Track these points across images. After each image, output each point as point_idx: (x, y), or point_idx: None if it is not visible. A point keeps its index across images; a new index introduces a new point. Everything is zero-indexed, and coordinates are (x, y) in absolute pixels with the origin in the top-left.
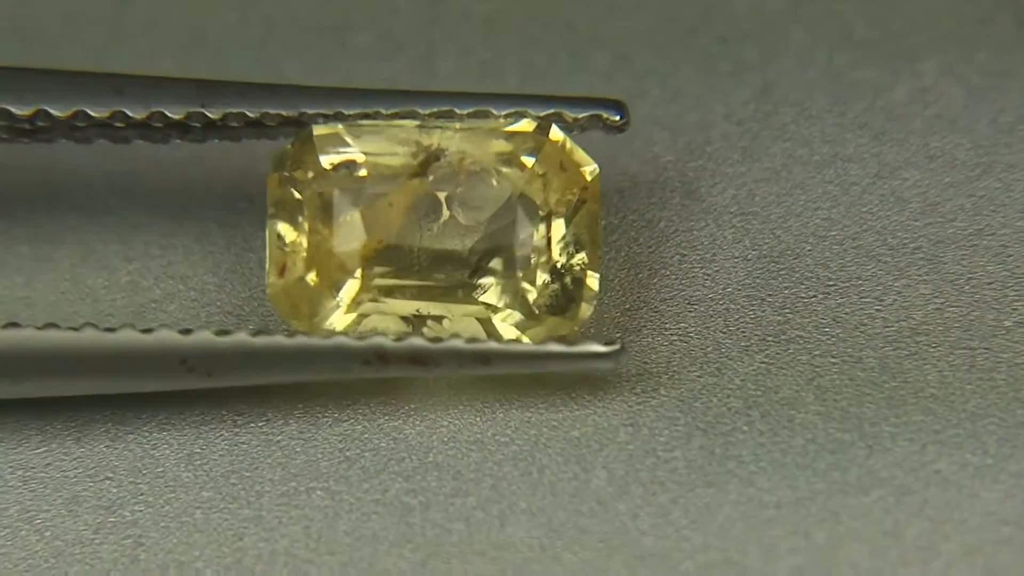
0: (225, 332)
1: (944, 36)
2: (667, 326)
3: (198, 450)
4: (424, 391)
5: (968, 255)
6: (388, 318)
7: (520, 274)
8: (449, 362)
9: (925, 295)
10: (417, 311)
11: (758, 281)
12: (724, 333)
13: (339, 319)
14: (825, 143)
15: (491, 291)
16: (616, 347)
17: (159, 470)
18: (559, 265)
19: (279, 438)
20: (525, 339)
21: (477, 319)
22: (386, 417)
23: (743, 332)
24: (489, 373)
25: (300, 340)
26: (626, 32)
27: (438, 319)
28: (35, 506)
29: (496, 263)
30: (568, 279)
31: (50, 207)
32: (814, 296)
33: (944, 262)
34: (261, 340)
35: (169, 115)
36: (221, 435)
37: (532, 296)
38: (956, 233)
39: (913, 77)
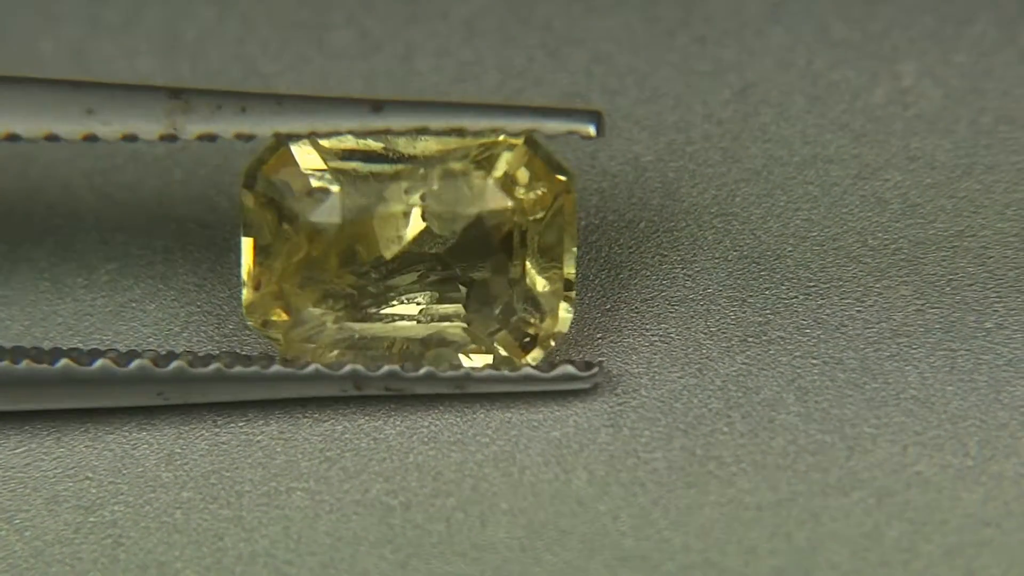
0: (201, 362)
1: (924, 37)
2: (648, 327)
3: (178, 450)
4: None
5: (949, 256)
6: (364, 326)
7: (494, 284)
8: (424, 389)
9: (906, 296)
10: (392, 319)
11: (739, 282)
12: (705, 334)
13: (313, 329)
14: (805, 144)
15: (464, 302)
16: (592, 371)
17: (139, 470)
18: (533, 277)
19: (259, 438)
20: (500, 351)
21: (456, 327)
22: (366, 418)
23: (724, 333)
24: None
25: (276, 370)
26: (605, 32)
27: (412, 326)
28: (14, 506)
29: (470, 274)
30: (543, 290)
31: (28, 206)
32: (795, 297)
33: (925, 263)
34: (237, 371)
35: (141, 137)
36: (201, 435)
37: (505, 308)
38: (937, 234)
39: (893, 78)
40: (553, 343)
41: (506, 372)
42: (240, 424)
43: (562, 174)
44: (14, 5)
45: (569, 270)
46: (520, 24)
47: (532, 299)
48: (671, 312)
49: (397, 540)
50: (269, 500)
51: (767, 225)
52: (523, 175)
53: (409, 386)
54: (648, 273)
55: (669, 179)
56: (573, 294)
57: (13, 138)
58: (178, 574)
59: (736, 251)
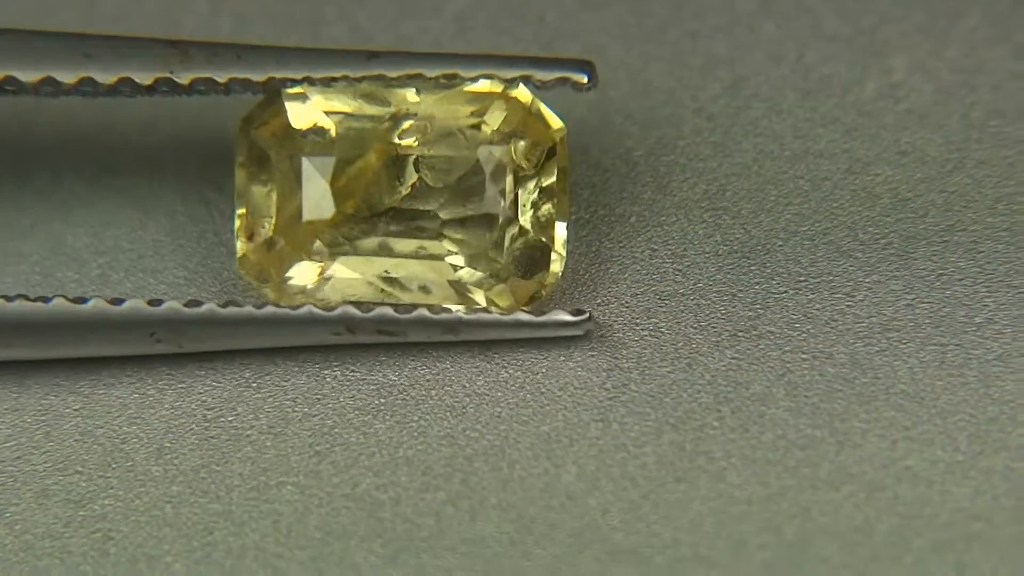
0: (194, 303)
1: (914, 31)
2: (638, 321)
3: (168, 444)
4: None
5: (939, 251)
6: (356, 278)
7: (488, 236)
8: (416, 331)
9: (896, 291)
10: (386, 271)
11: (729, 276)
12: (695, 328)
13: (307, 279)
14: (796, 138)
15: (459, 252)
16: (583, 316)
17: (129, 464)
18: (527, 226)
19: (249, 432)
20: (494, 306)
21: (448, 281)
22: (356, 412)
23: (714, 327)
24: (458, 340)
25: (269, 311)
26: (597, 26)
27: (406, 278)
28: (4, 500)
29: (464, 225)
30: (536, 240)
31: (18, 200)
32: (785, 292)
33: (915, 258)
34: (230, 311)
35: (138, 81)
36: (191, 429)
37: (500, 258)
38: (927, 229)
39: (883, 73)
40: (545, 293)
41: (498, 316)
42: (230, 419)
43: (554, 128)
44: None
45: (562, 218)
46: (512, 18)
47: (526, 249)
48: (661, 306)
49: (387, 534)
50: (259, 494)
51: (758, 219)
52: (516, 128)
53: (401, 329)
54: (638, 267)
55: (660, 173)
56: (564, 246)
57: (11, 81)
58: (168, 568)
59: (727, 245)
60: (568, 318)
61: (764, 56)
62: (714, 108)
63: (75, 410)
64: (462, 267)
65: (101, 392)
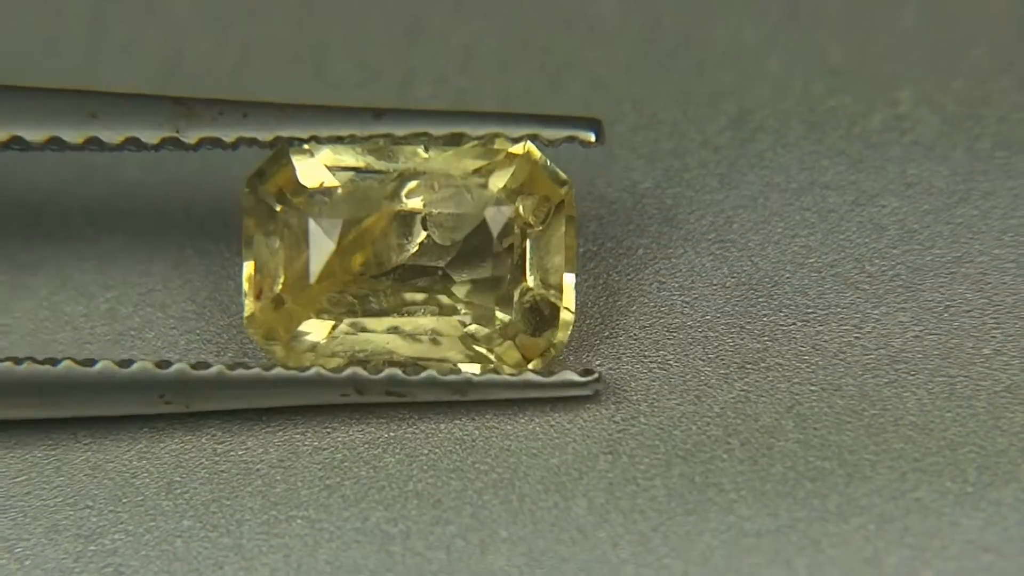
0: (202, 366)
1: (920, 64)
2: (646, 354)
3: (178, 479)
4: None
5: (946, 283)
6: (365, 336)
7: (495, 294)
8: (425, 393)
9: (904, 323)
10: (395, 328)
11: (737, 309)
12: (703, 361)
13: (316, 338)
14: (802, 170)
15: (467, 310)
16: (593, 377)
17: (139, 499)
18: (534, 284)
19: (259, 467)
20: (503, 363)
21: (458, 338)
22: (366, 446)
23: (722, 360)
24: (466, 400)
25: (278, 373)
26: (603, 58)
27: (415, 332)
28: (15, 535)
29: (472, 282)
30: (543, 298)
31: (27, 235)
32: (793, 324)
33: (923, 290)
34: (238, 373)
35: (144, 140)
36: (201, 464)
37: (508, 315)
38: (934, 260)
39: (889, 105)
40: (554, 351)
41: (507, 377)
42: (240, 453)
43: (561, 184)
44: (13, 33)
45: (569, 279)
46: (518, 51)
47: (534, 306)
48: (669, 339)
49: (397, 568)
50: (269, 528)
51: (765, 251)
52: (523, 185)
53: (410, 391)
54: (646, 300)
55: (667, 206)
56: (573, 303)
57: (17, 141)
58: None
59: (734, 277)
60: (577, 379)
61: (770, 88)
62: (720, 140)
63: (85, 444)
64: (470, 324)
65: (111, 426)
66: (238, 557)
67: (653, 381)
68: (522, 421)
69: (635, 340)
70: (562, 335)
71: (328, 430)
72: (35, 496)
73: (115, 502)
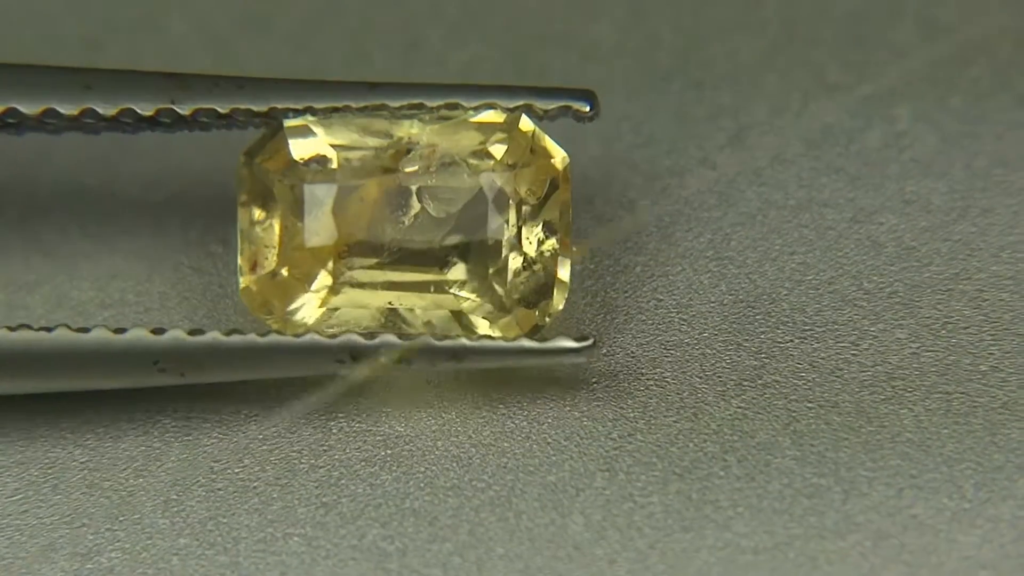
0: (197, 332)
1: (918, 81)
2: (643, 371)
3: (175, 497)
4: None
5: (944, 299)
6: (360, 311)
7: (491, 266)
8: (420, 359)
9: (901, 340)
10: (389, 303)
11: (734, 326)
12: (700, 378)
13: (311, 312)
14: (800, 188)
15: (462, 283)
16: (588, 343)
17: (136, 516)
18: (530, 256)
19: (256, 484)
20: (497, 334)
21: (450, 311)
22: (363, 463)
23: (719, 377)
24: (462, 368)
25: (272, 339)
26: (600, 77)
27: (410, 311)
28: (11, 553)
29: (467, 255)
30: (539, 270)
31: (24, 253)
32: (790, 341)
33: (920, 307)
34: (234, 339)
35: (139, 111)
36: (198, 482)
37: (503, 288)
38: (932, 277)
39: (887, 122)
40: (549, 319)
41: (502, 343)
42: (236, 470)
43: (558, 157)
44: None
45: (565, 253)
46: (516, 67)
47: (530, 278)
48: (667, 356)
49: None
50: (266, 546)
51: (762, 269)
52: (520, 157)
53: (405, 356)
54: (643, 317)
55: (664, 223)
56: (568, 273)
57: (12, 113)
58: None
59: (732, 295)
60: (572, 344)
61: (768, 106)
62: (718, 158)
63: (81, 463)
64: (466, 298)
65: (108, 444)
66: (235, 574)
67: (650, 398)
68: (519, 439)
69: (632, 357)
70: (556, 307)
71: (324, 448)
72: (31, 514)
73: (112, 520)
